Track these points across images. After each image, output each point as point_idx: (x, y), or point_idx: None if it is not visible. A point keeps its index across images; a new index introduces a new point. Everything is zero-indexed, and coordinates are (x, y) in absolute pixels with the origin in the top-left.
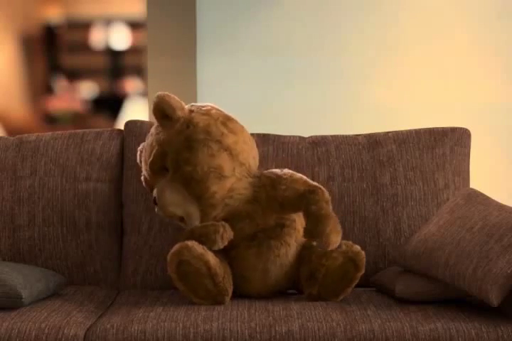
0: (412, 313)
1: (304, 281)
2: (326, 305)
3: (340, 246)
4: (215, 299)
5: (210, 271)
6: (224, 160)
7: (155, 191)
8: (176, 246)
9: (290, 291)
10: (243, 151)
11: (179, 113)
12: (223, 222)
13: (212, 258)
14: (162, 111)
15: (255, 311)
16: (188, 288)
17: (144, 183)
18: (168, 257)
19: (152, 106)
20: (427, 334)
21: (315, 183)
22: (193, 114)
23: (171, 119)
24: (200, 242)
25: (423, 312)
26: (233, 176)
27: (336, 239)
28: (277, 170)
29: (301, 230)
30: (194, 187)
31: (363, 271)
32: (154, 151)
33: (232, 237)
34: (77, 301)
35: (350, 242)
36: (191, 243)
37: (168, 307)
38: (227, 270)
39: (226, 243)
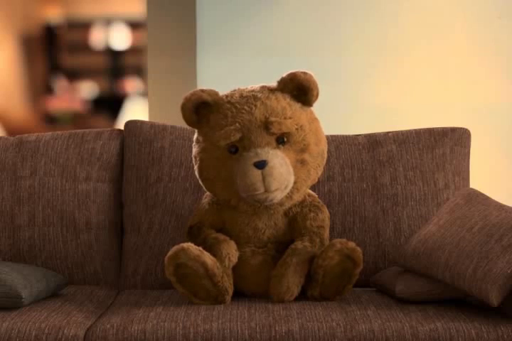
0: (412, 313)
1: (304, 284)
2: (326, 305)
3: (334, 244)
4: (215, 299)
5: (208, 272)
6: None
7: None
8: (172, 249)
9: None
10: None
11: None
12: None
13: (208, 259)
14: None
15: (255, 311)
16: (187, 289)
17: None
18: (165, 260)
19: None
20: (427, 334)
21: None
22: None
23: None
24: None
25: (423, 312)
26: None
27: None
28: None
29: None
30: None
31: (361, 267)
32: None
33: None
34: (77, 301)
35: (344, 239)
36: (187, 245)
37: (168, 307)
38: (227, 269)
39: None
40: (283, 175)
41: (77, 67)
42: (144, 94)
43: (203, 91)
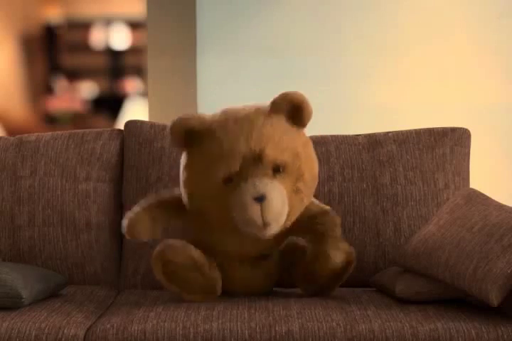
0: (412, 313)
1: (298, 282)
2: (326, 304)
3: (328, 255)
4: (206, 290)
5: (196, 264)
6: None
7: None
8: (157, 249)
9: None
10: None
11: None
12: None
13: (194, 251)
14: None
15: (255, 311)
16: (177, 286)
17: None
18: (152, 261)
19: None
20: (427, 334)
21: (326, 207)
22: None
23: None
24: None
25: (423, 312)
26: None
27: (338, 258)
28: None
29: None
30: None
31: (353, 265)
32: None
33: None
34: (77, 301)
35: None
36: (172, 241)
37: (168, 307)
38: (213, 262)
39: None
40: (280, 208)
41: (77, 67)
42: (144, 94)
43: (191, 118)
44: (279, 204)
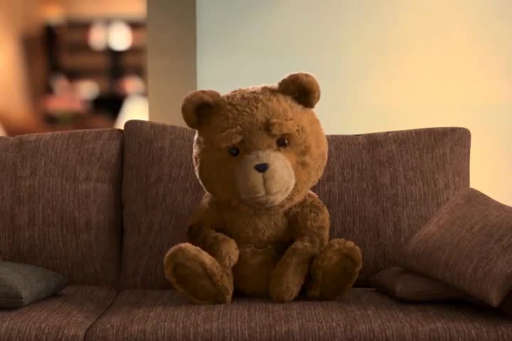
0: (412, 313)
1: (304, 284)
2: (326, 305)
3: (332, 244)
4: (215, 299)
5: (207, 272)
6: None
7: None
8: (171, 250)
9: None
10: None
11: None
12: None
13: (207, 259)
14: None
15: (255, 311)
16: (187, 290)
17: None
18: (164, 261)
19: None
20: (427, 334)
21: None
22: None
23: None
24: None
25: (423, 312)
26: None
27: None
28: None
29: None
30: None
31: (360, 266)
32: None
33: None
34: (77, 301)
35: (343, 239)
36: (184, 245)
37: (168, 307)
38: (227, 269)
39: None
40: (284, 178)
41: (77, 67)
42: (144, 94)
43: (203, 92)
44: (283, 174)
